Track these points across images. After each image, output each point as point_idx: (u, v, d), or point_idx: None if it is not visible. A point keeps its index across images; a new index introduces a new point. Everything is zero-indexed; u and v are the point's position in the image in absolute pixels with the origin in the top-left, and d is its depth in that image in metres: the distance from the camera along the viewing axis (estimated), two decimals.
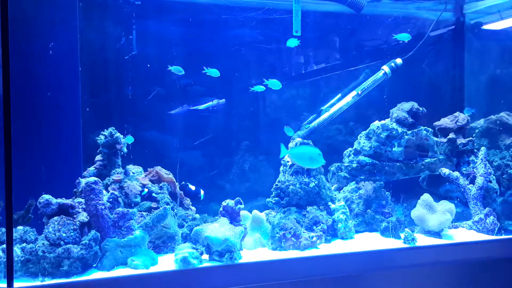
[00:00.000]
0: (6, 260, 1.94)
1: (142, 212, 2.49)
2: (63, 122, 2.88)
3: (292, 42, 2.95)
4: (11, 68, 1.91)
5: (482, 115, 3.57)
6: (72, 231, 2.13)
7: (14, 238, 2.04)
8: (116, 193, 2.39)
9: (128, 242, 2.22)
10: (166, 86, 3.32)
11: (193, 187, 2.82)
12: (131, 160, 2.87)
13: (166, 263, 2.26)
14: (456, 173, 3.00)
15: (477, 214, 2.88)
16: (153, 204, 2.59)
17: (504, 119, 3.39)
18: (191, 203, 2.88)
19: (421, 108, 3.15)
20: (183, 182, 2.85)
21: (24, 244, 2.12)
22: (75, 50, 2.91)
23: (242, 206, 2.56)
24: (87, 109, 3.00)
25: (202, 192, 2.87)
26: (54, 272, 2.06)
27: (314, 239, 2.53)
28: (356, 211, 2.92)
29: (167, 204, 2.62)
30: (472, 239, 2.74)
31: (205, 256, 2.29)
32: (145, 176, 2.76)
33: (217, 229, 2.27)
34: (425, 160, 3.11)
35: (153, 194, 2.64)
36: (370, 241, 2.69)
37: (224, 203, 2.52)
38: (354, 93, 3.20)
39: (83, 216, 2.22)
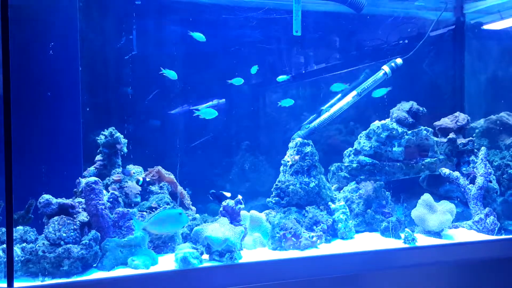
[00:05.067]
0: (6, 260, 1.94)
1: (142, 212, 2.49)
2: (63, 122, 2.88)
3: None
4: (11, 68, 1.91)
5: (482, 115, 3.57)
6: (72, 231, 2.13)
7: (14, 238, 2.04)
8: (116, 193, 2.39)
9: (128, 242, 2.22)
10: (166, 86, 3.32)
11: (228, 194, 2.76)
12: (131, 160, 2.87)
13: (166, 263, 2.26)
14: (456, 173, 3.00)
15: (477, 214, 2.88)
16: (153, 204, 2.59)
17: (504, 119, 3.39)
18: (191, 203, 2.88)
19: (421, 108, 3.16)
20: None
21: (24, 244, 2.12)
22: (75, 50, 2.91)
23: (242, 206, 2.56)
24: (87, 109, 3.00)
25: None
26: (54, 272, 2.06)
27: (314, 239, 2.53)
28: (356, 211, 2.92)
29: (167, 204, 2.62)
30: (472, 239, 2.74)
31: (205, 256, 2.29)
32: (146, 176, 2.76)
33: (217, 229, 2.27)
34: (425, 160, 3.11)
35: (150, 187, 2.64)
36: (370, 241, 2.69)
37: (224, 203, 2.52)
38: (354, 93, 3.21)
39: (83, 216, 2.22)
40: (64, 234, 2.11)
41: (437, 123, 3.40)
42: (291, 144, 2.91)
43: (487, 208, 2.88)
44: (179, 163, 3.15)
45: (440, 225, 2.71)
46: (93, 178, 2.25)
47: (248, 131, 3.55)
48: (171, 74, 2.86)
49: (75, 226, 2.15)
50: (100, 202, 2.23)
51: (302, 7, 3.09)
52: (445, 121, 3.37)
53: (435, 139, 3.21)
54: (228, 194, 2.71)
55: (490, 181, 3.00)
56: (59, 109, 2.85)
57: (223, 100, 3.46)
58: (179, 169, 3.00)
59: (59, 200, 2.24)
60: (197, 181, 3.17)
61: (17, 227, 2.20)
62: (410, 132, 3.08)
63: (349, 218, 2.77)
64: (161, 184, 2.76)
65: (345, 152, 3.20)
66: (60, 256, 2.06)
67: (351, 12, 3.35)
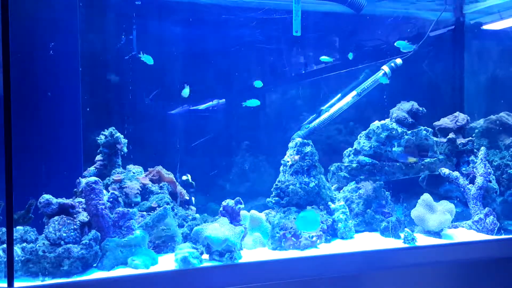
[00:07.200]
0: (6, 260, 1.95)
1: (142, 212, 2.50)
2: (63, 122, 2.89)
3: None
4: (12, 68, 1.92)
5: (482, 115, 3.57)
6: (72, 230, 2.14)
7: (14, 238, 2.04)
8: (116, 193, 2.39)
9: (128, 242, 2.22)
10: (167, 86, 3.32)
11: (184, 177, 2.76)
12: (131, 160, 2.88)
13: (166, 262, 2.26)
14: (456, 173, 3.00)
15: (477, 214, 2.88)
16: (153, 204, 2.59)
17: (504, 119, 3.39)
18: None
19: (421, 108, 3.16)
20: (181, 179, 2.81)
21: (24, 244, 2.12)
22: (75, 50, 2.91)
23: (242, 206, 2.56)
24: (87, 109, 3.00)
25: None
26: (54, 271, 2.07)
27: (314, 239, 2.53)
28: (356, 211, 2.92)
29: (167, 204, 2.62)
30: (472, 239, 2.75)
31: (205, 256, 2.29)
32: (146, 176, 2.76)
33: (217, 228, 2.28)
34: (425, 160, 3.11)
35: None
36: (370, 241, 2.69)
37: (224, 203, 2.52)
38: (354, 93, 3.21)
39: (83, 216, 2.22)
40: (64, 234, 2.11)
41: (436, 123, 3.41)
42: (291, 144, 2.91)
43: (486, 208, 2.88)
44: (179, 163, 3.15)
45: (439, 225, 2.72)
46: (93, 178, 2.25)
47: (248, 131, 3.55)
48: (255, 102, 3.04)
49: (75, 226, 2.16)
50: (100, 202, 2.23)
51: (302, 7, 3.10)
52: (445, 121, 3.37)
53: (435, 139, 3.21)
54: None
55: (490, 181, 3.00)
56: (59, 109, 2.86)
57: (223, 100, 3.46)
58: (179, 169, 3.01)
59: (59, 200, 2.24)
60: (197, 181, 3.17)
61: (17, 227, 2.20)
62: (409, 132, 3.08)
63: (349, 218, 2.77)
64: (161, 184, 2.76)
65: (345, 152, 3.21)
66: (60, 256, 2.06)
67: (351, 12, 3.35)
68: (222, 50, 3.39)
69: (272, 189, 2.82)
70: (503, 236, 2.80)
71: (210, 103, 3.43)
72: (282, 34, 3.48)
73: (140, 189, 2.64)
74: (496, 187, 3.04)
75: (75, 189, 2.51)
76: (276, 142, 3.37)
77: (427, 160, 3.12)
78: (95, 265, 2.18)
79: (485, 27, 3.99)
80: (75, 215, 2.21)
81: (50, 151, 2.81)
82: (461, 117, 3.35)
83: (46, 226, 2.16)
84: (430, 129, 3.14)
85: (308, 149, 2.83)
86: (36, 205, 2.25)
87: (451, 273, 2.60)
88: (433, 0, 3.71)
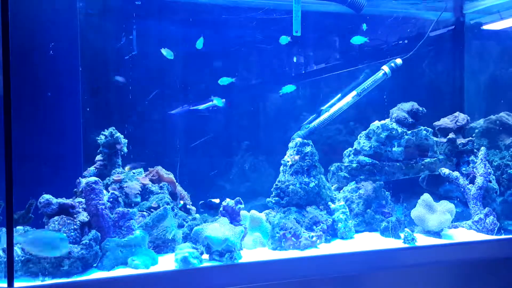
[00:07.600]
0: (6, 259, 1.94)
1: (143, 212, 2.50)
2: (63, 122, 2.89)
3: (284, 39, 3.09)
4: (12, 68, 1.92)
5: (482, 115, 3.58)
6: (72, 231, 2.14)
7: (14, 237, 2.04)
8: (116, 193, 2.39)
9: (128, 242, 2.22)
10: (167, 86, 3.32)
11: (217, 200, 2.78)
12: (131, 160, 2.88)
13: (166, 262, 2.26)
14: (456, 173, 3.00)
15: (477, 214, 2.88)
16: (153, 204, 2.59)
17: (504, 119, 3.39)
18: (191, 203, 2.88)
19: (421, 108, 3.16)
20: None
21: None
22: (75, 50, 2.91)
23: (242, 206, 2.56)
24: (87, 109, 3.00)
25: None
26: (54, 271, 2.06)
27: (314, 239, 2.54)
28: (356, 211, 2.92)
29: (167, 204, 2.62)
30: (472, 239, 2.75)
31: (205, 256, 2.29)
32: (145, 176, 2.76)
33: (217, 229, 2.28)
34: (425, 160, 3.11)
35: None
36: (370, 241, 2.69)
37: (224, 203, 2.52)
38: (354, 93, 3.21)
39: (83, 216, 2.22)
40: (64, 234, 2.11)
41: (436, 123, 3.41)
42: (291, 144, 2.91)
43: (486, 208, 2.88)
44: (179, 163, 3.15)
45: (439, 225, 2.72)
46: (93, 178, 2.25)
47: (248, 131, 3.55)
48: (290, 88, 3.13)
49: (75, 226, 2.16)
50: (100, 202, 2.23)
51: (302, 8, 3.10)
52: (445, 121, 3.37)
53: (435, 139, 3.21)
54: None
55: (490, 181, 3.00)
56: (59, 109, 2.86)
57: (223, 100, 3.46)
58: (179, 169, 3.00)
59: (59, 200, 2.24)
60: (197, 181, 3.18)
61: (17, 227, 2.20)
62: (409, 132, 3.08)
63: (349, 218, 2.77)
64: (161, 184, 2.76)
65: (345, 152, 3.21)
66: (60, 256, 2.06)
67: (351, 12, 3.35)
68: (222, 50, 3.39)
69: (272, 189, 2.82)
70: (503, 236, 2.80)
71: (210, 103, 3.43)
72: (282, 34, 3.48)
73: (140, 189, 2.64)
74: (496, 187, 3.04)
75: (75, 189, 2.51)
76: (276, 142, 3.37)
77: (427, 160, 3.12)
78: (95, 265, 2.18)
79: (485, 27, 3.99)
80: (75, 215, 2.21)
81: (50, 151, 2.81)
82: (461, 117, 3.35)
83: (46, 226, 2.16)
84: (430, 129, 3.14)
85: (308, 149, 2.83)
86: (36, 205, 2.25)
87: (451, 273, 2.60)
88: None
